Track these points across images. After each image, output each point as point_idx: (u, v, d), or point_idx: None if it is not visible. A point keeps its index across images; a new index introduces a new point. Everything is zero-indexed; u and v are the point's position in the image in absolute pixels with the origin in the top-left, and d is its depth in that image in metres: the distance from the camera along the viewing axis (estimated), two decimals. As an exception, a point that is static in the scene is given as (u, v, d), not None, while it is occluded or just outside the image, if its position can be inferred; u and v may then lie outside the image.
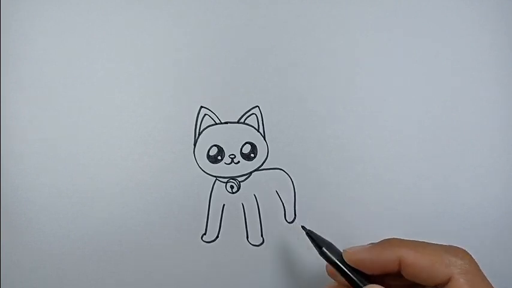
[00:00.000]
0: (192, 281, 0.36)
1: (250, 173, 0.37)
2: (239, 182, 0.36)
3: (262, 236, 0.36)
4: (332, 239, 0.30)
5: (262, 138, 0.37)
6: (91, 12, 0.36)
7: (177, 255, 0.36)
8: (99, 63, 0.36)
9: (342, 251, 0.29)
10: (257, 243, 0.36)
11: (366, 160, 0.37)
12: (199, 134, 0.36)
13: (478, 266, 0.26)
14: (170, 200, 0.36)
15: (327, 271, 0.30)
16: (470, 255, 0.26)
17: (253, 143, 0.37)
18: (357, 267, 0.28)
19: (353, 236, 0.36)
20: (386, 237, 0.28)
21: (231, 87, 0.37)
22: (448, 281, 0.25)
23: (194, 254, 0.36)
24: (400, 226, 0.37)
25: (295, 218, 0.36)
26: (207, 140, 0.36)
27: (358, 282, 0.27)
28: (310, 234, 0.30)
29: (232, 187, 0.36)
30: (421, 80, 0.38)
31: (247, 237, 0.36)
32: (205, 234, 0.36)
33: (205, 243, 0.36)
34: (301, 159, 0.37)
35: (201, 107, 0.36)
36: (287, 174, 0.37)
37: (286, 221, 0.36)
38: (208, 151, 0.36)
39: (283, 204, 0.36)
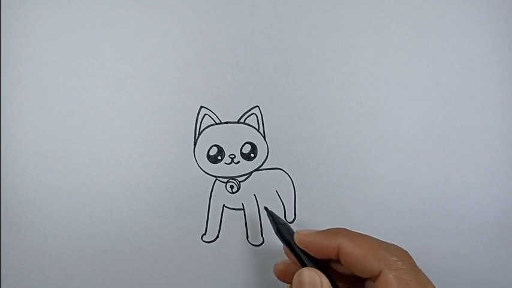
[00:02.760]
0: (192, 281, 0.36)
1: (250, 173, 0.37)
2: (239, 182, 0.36)
3: (262, 236, 0.36)
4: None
5: (262, 138, 0.37)
6: (91, 12, 0.36)
7: (177, 255, 0.36)
8: (99, 63, 0.36)
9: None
10: (257, 243, 0.36)
11: (366, 160, 0.37)
12: (199, 134, 0.36)
13: (415, 268, 0.26)
14: (170, 200, 0.36)
15: (283, 249, 0.31)
16: (410, 257, 0.27)
17: (253, 143, 0.37)
18: (304, 249, 0.29)
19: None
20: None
21: (231, 87, 0.37)
22: (379, 274, 0.25)
23: (194, 254, 0.36)
24: (400, 226, 0.37)
25: (295, 218, 0.36)
26: (207, 140, 0.36)
27: (305, 261, 0.29)
28: (271, 214, 0.32)
29: (232, 187, 0.36)
30: (420, 80, 0.38)
31: (247, 237, 0.36)
32: (205, 234, 0.36)
33: (205, 243, 0.36)
34: (301, 159, 0.37)
35: (201, 107, 0.36)
36: (287, 174, 0.37)
37: (286, 221, 0.36)
38: (208, 151, 0.36)
39: (283, 204, 0.36)
